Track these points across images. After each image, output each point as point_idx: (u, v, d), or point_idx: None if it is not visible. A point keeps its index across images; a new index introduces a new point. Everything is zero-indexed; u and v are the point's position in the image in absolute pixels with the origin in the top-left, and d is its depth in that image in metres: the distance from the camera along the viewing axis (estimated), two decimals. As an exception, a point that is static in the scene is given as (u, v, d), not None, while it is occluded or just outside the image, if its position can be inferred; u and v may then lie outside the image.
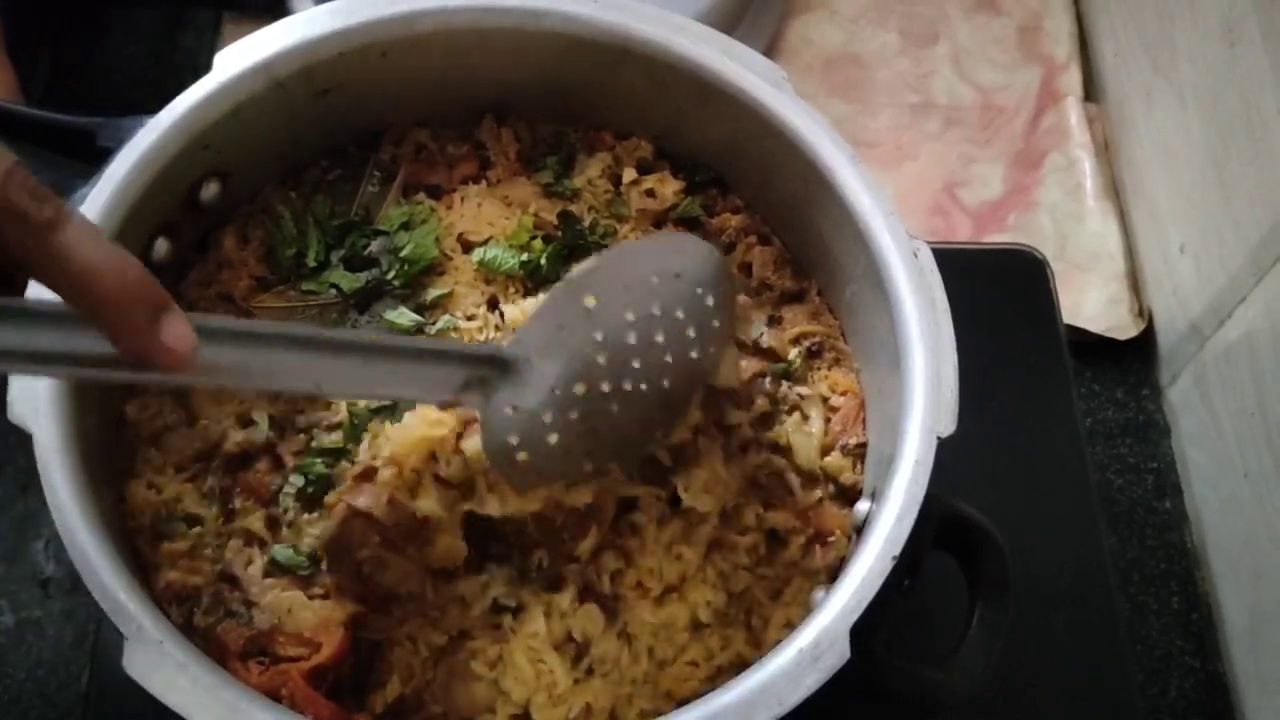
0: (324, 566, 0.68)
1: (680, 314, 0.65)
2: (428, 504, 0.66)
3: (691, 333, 0.66)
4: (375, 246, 0.78)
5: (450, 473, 0.67)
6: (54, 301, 0.49)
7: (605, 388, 0.64)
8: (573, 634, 0.67)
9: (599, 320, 0.63)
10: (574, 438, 0.64)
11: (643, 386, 0.65)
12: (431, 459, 0.67)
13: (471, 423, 0.67)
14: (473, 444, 0.66)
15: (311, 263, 0.77)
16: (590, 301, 0.63)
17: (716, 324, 0.67)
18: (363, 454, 0.68)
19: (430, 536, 0.67)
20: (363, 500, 0.66)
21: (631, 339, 0.64)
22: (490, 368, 0.62)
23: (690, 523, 0.70)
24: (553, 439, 0.64)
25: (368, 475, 0.67)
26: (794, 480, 0.73)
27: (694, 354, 0.67)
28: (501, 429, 0.62)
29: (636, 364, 0.65)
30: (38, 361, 0.50)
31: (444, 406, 0.67)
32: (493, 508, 0.67)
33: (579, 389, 0.63)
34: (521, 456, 0.64)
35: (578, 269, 0.62)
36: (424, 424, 0.67)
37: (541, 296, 0.72)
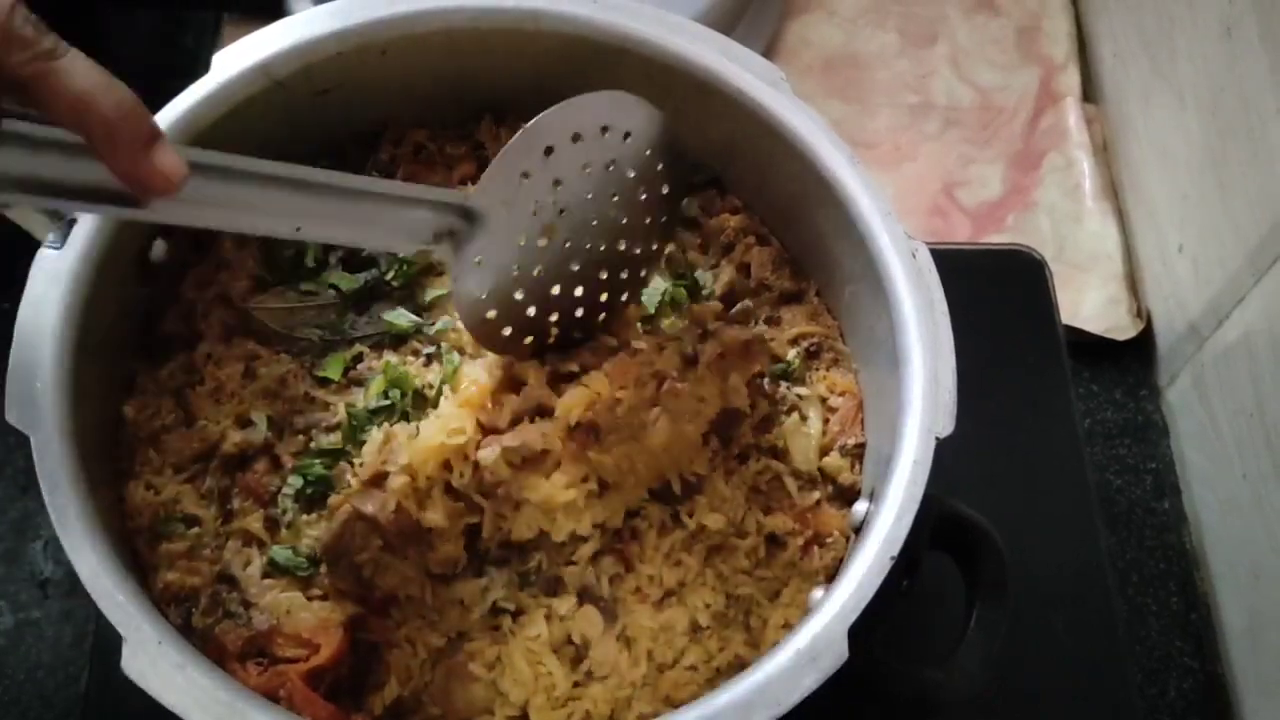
0: (322, 569, 0.68)
1: (631, 173, 0.66)
2: (434, 516, 0.66)
3: (643, 195, 0.67)
4: (373, 248, 0.78)
5: (463, 483, 0.66)
6: (53, 130, 0.50)
7: (566, 244, 0.66)
8: (572, 637, 0.67)
9: (557, 169, 0.63)
10: (539, 296, 0.67)
11: (601, 246, 0.67)
12: (445, 468, 0.67)
13: (491, 431, 0.67)
14: (488, 453, 0.66)
15: (310, 263, 0.77)
16: (549, 149, 0.63)
17: (665, 190, 0.68)
18: (368, 455, 0.68)
19: (431, 542, 0.66)
20: (370, 507, 0.65)
21: (588, 192, 0.65)
22: (460, 217, 0.63)
23: (692, 532, 0.70)
24: (519, 295, 0.66)
25: (377, 480, 0.66)
26: (792, 484, 0.73)
27: (648, 220, 0.68)
28: (471, 282, 0.64)
29: (595, 221, 0.66)
30: (33, 190, 0.51)
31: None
32: (520, 531, 0.67)
33: (542, 242, 0.65)
34: (491, 314, 0.66)
35: (534, 120, 0.62)
36: (442, 432, 0.67)
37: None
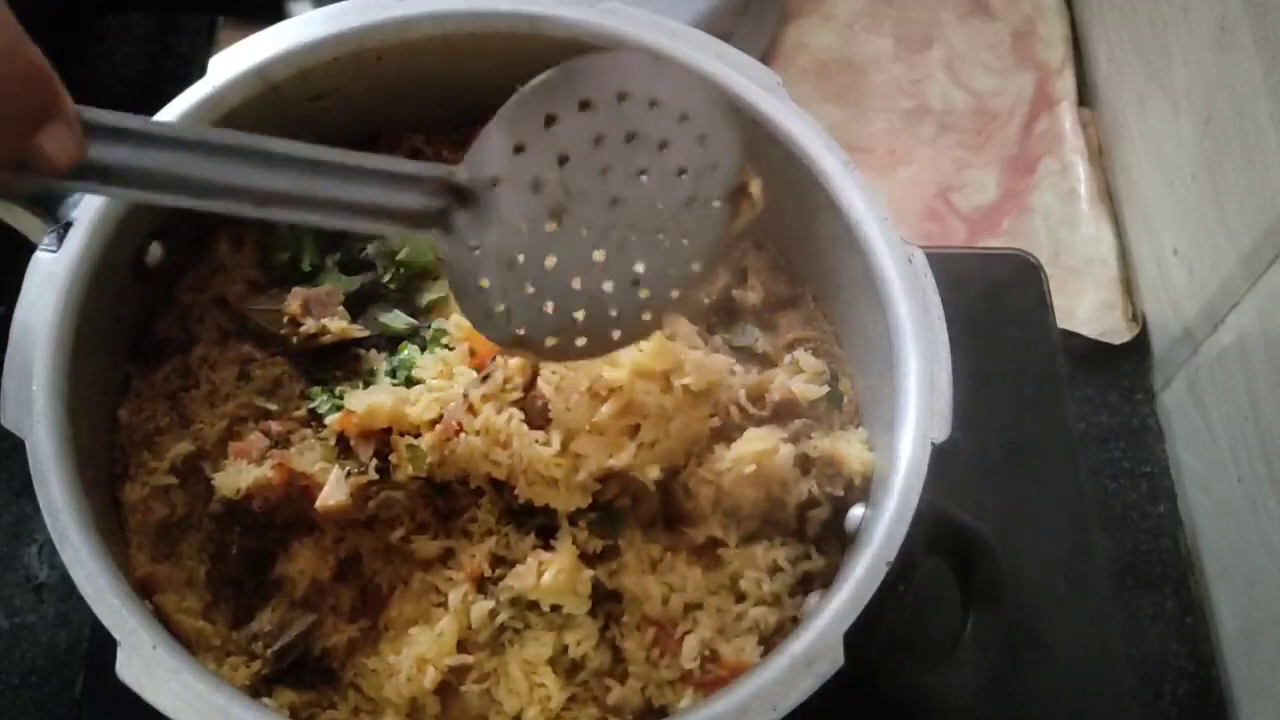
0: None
1: (666, 148, 0.58)
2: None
3: (686, 176, 0.59)
4: (371, 249, 0.78)
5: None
6: None
7: (583, 230, 0.58)
8: (568, 649, 0.67)
9: (562, 141, 0.56)
10: (555, 290, 0.58)
11: (632, 236, 0.59)
12: None
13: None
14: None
15: (305, 267, 0.77)
16: (550, 118, 0.55)
17: (718, 169, 0.59)
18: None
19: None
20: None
21: (605, 169, 0.57)
22: (447, 196, 0.56)
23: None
24: (530, 289, 0.58)
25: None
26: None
27: (695, 203, 0.59)
28: (469, 271, 0.57)
29: (617, 203, 0.58)
30: None
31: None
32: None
33: (550, 226, 0.57)
34: (499, 308, 0.58)
35: (532, 82, 0.55)
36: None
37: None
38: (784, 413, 0.72)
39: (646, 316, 0.63)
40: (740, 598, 0.69)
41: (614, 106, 0.56)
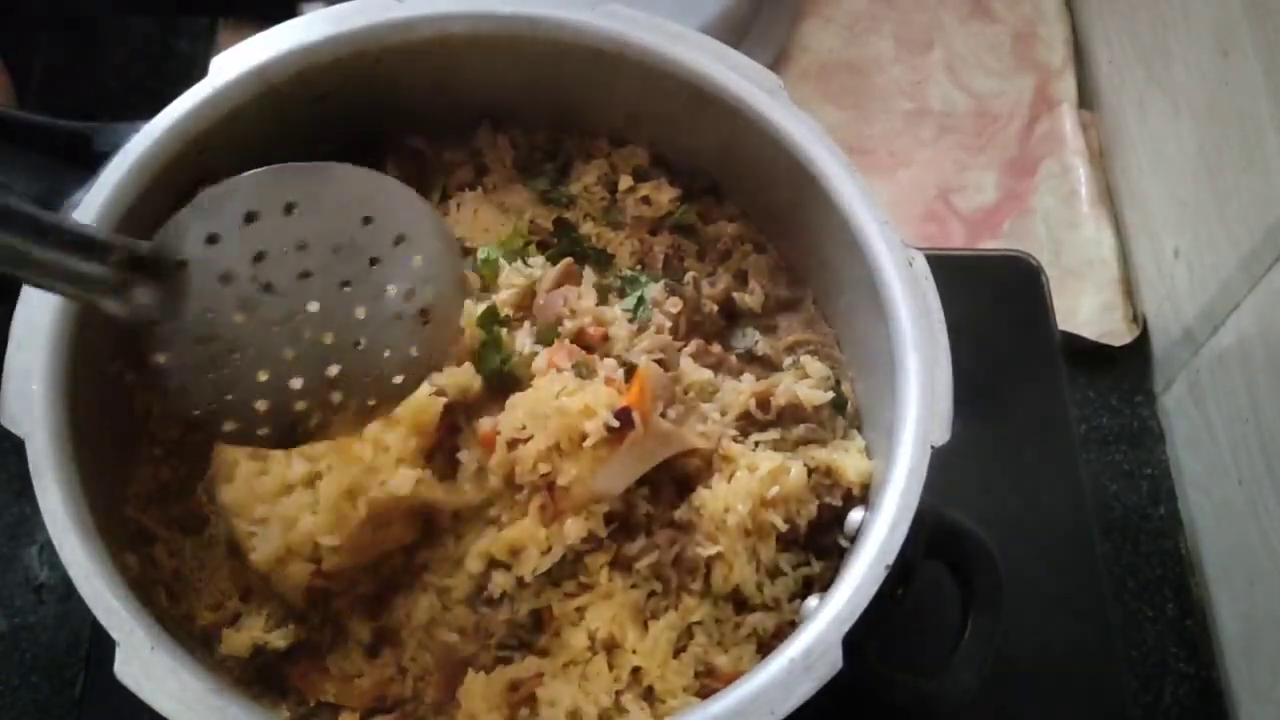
0: None
1: (377, 264, 0.60)
2: None
3: (392, 290, 0.60)
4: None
5: None
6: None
7: (273, 327, 0.59)
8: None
9: (261, 240, 0.57)
10: (238, 379, 0.59)
11: (327, 340, 0.60)
12: None
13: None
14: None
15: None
16: (251, 215, 0.56)
17: (430, 292, 0.61)
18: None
19: None
20: None
21: (304, 274, 0.58)
22: (129, 270, 0.55)
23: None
24: (210, 375, 0.58)
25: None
26: None
27: (400, 319, 0.61)
28: (146, 346, 0.57)
29: (314, 307, 0.59)
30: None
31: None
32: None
33: (237, 318, 0.58)
34: (173, 386, 0.58)
35: (238, 176, 0.57)
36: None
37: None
38: (789, 418, 0.71)
39: (342, 417, 0.63)
40: (740, 604, 0.69)
41: (321, 215, 0.58)
